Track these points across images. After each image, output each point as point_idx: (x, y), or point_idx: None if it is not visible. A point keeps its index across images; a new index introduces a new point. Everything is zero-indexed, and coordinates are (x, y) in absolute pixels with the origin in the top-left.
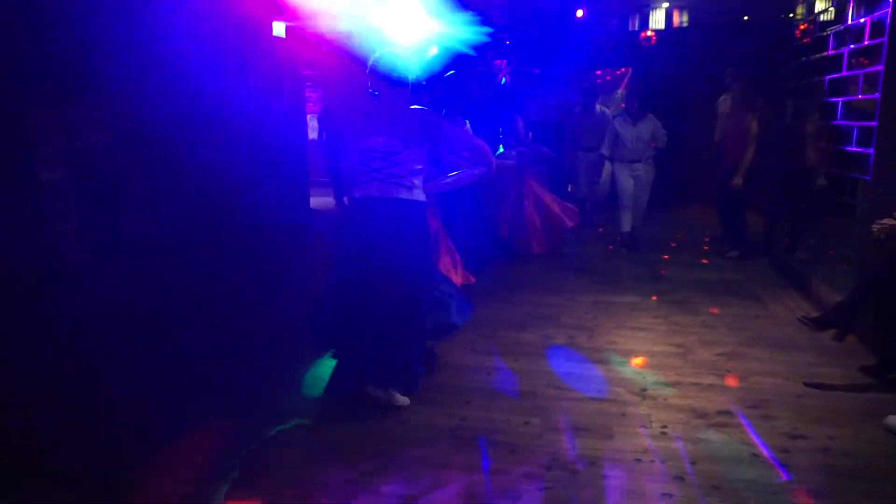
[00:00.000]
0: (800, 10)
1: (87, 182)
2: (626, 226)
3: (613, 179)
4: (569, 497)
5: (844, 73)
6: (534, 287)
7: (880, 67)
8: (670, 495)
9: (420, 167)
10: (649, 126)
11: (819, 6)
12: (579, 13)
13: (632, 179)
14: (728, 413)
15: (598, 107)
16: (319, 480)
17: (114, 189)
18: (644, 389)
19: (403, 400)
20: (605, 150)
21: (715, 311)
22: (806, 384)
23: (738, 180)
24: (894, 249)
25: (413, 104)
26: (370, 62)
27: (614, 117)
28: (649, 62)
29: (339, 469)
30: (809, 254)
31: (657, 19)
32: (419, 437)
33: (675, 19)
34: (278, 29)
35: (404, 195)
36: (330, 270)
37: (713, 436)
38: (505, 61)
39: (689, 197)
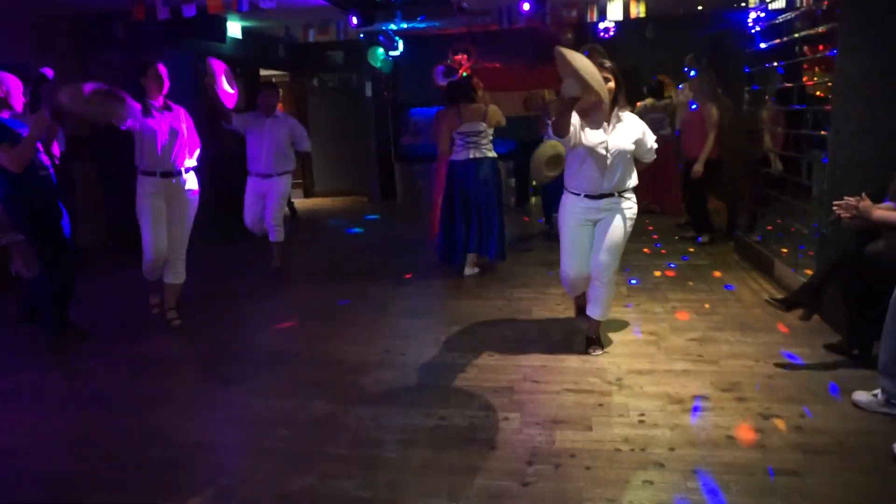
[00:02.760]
0: None
1: None
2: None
3: None
4: (552, 491)
5: (797, 59)
6: (503, 282)
7: (833, 52)
8: (651, 482)
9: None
10: None
11: None
12: (526, 6)
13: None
14: (703, 398)
15: None
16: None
17: None
18: (619, 379)
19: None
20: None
21: (683, 297)
22: (776, 365)
23: (698, 167)
24: (855, 228)
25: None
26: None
27: None
28: (609, 54)
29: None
30: (770, 236)
31: (614, 11)
32: (398, 439)
33: (633, 10)
34: None
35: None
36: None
37: (689, 421)
38: (465, 56)
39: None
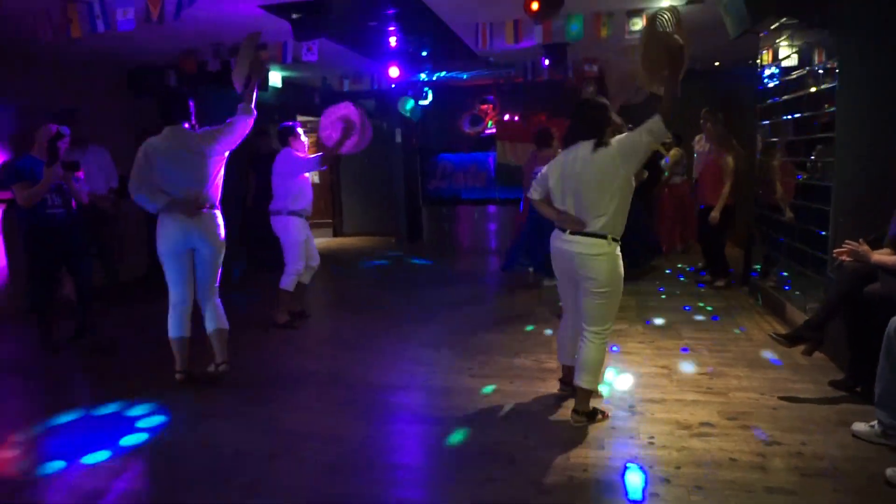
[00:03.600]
0: (765, 56)
1: None
2: None
3: None
4: (568, 499)
5: (805, 113)
6: (524, 318)
7: (833, 109)
8: (657, 495)
9: None
10: None
11: (783, 52)
12: (546, 61)
13: None
14: (709, 424)
15: None
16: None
17: None
18: (632, 406)
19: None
20: None
21: (696, 335)
22: (780, 398)
23: (715, 214)
24: (855, 271)
25: None
26: None
27: None
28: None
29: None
30: (781, 280)
31: None
32: (426, 452)
33: None
34: None
35: None
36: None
37: (696, 444)
38: (490, 106)
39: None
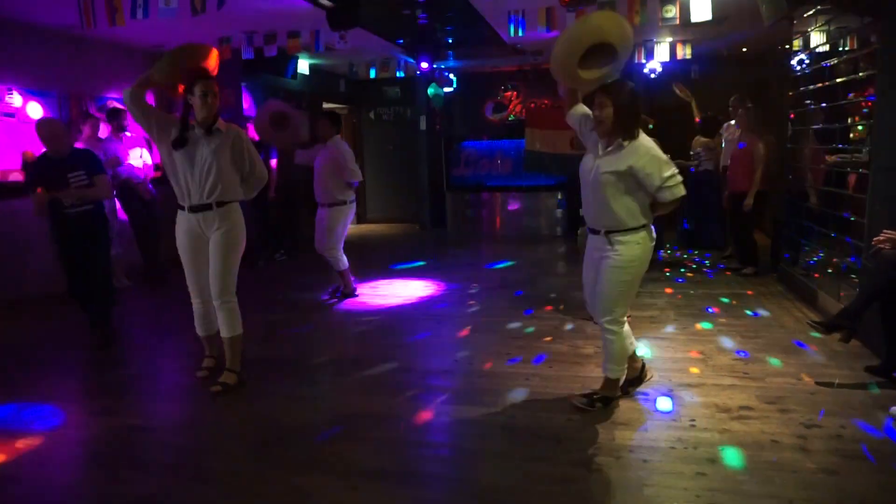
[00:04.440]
0: (796, 43)
1: None
2: None
3: None
4: (616, 478)
5: (839, 102)
6: (557, 302)
7: (872, 97)
8: (705, 474)
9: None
10: None
11: (815, 39)
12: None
13: None
14: (748, 408)
15: None
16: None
17: None
18: (671, 390)
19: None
20: None
21: (728, 322)
22: (817, 383)
23: (748, 201)
24: (892, 259)
25: None
26: None
27: None
28: (654, 93)
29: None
30: (812, 267)
31: (661, 52)
32: (475, 431)
33: (679, 52)
34: None
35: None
36: None
37: (737, 426)
38: (514, 93)
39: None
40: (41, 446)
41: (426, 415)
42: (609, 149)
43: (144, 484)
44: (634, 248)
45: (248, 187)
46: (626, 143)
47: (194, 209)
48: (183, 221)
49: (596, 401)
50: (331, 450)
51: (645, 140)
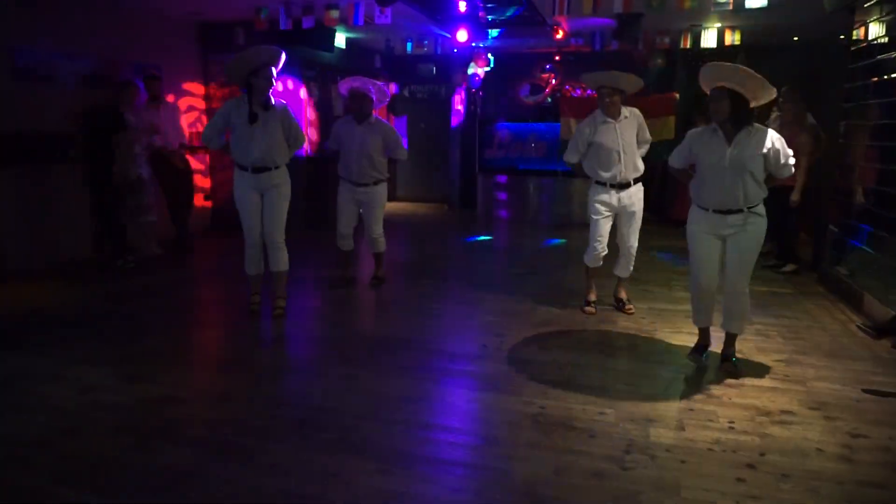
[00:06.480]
0: (855, 33)
1: None
2: None
3: None
4: (651, 477)
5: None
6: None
7: None
8: (744, 480)
9: None
10: None
11: (874, 31)
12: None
13: None
14: (790, 413)
15: None
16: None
17: None
18: (708, 388)
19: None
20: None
21: (767, 322)
22: (864, 390)
23: (796, 196)
24: None
25: None
26: None
27: None
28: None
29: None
30: (856, 268)
31: (709, 38)
32: (506, 420)
33: (727, 39)
34: None
35: None
36: None
37: (778, 431)
38: (552, 75)
39: None
40: (75, 411)
41: (458, 401)
42: (740, 134)
43: (174, 455)
44: (763, 214)
45: (290, 151)
46: (753, 130)
47: (257, 170)
48: (245, 180)
49: (736, 362)
50: (361, 431)
51: (761, 128)
